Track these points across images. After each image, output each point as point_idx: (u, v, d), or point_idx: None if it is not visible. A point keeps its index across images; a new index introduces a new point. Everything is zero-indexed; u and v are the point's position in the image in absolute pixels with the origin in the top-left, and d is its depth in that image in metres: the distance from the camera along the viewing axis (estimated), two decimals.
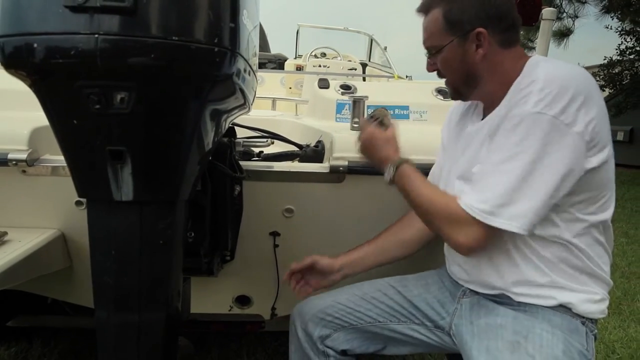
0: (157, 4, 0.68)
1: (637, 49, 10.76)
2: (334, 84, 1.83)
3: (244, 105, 0.95)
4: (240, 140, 1.35)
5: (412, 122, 1.66)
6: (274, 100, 2.59)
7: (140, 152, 0.78)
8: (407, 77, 3.77)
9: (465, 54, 1.00)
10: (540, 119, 0.88)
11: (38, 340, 2.02)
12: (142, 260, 0.85)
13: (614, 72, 11.23)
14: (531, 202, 0.90)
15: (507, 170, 0.91)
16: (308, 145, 1.41)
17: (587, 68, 10.94)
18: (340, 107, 1.71)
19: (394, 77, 3.56)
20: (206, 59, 0.73)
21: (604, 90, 11.15)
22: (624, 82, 11.07)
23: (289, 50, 4.75)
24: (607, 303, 1.04)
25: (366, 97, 1.51)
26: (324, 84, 1.84)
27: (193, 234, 1.13)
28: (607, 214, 1.00)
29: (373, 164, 1.14)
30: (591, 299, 1.01)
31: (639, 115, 10.74)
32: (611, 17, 9.86)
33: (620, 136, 11.57)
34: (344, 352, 1.20)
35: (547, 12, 1.47)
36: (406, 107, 1.69)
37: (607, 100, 10.71)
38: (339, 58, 4.24)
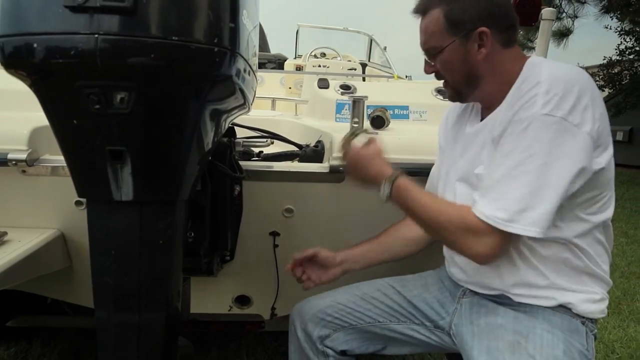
0: (157, 4, 0.68)
1: (637, 49, 10.76)
2: (334, 84, 1.83)
3: (244, 105, 0.95)
4: (240, 140, 1.35)
5: (412, 122, 1.67)
6: (273, 100, 2.59)
7: (140, 152, 0.78)
8: (406, 77, 3.77)
9: (467, 54, 0.99)
10: (548, 121, 0.87)
11: (38, 341, 2.02)
12: (142, 260, 0.85)
13: (613, 72, 11.24)
14: (547, 206, 0.88)
15: (520, 176, 0.89)
16: (308, 145, 1.41)
17: (587, 68, 10.98)
18: (340, 107, 1.72)
19: (393, 77, 3.56)
20: (206, 59, 0.73)
21: (603, 90, 11.16)
22: (623, 82, 11.08)
23: (288, 50, 4.76)
24: (606, 303, 1.04)
25: (366, 97, 1.51)
26: (323, 84, 1.84)
27: (193, 234, 1.14)
28: (608, 214, 1.00)
29: (364, 183, 1.10)
30: (591, 298, 1.01)
31: (639, 115, 10.76)
32: (610, 17, 9.87)
33: (619, 136, 11.58)
34: (343, 352, 1.20)
35: (546, 12, 1.47)
36: (406, 107, 1.69)
37: (607, 100, 10.72)
38: (338, 58, 4.23)
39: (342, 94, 1.76)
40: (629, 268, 3.47)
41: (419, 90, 1.81)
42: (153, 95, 0.73)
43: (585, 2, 9.52)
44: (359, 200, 1.33)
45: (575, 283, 1.00)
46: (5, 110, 1.36)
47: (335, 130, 1.39)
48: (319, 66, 3.73)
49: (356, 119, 1.49)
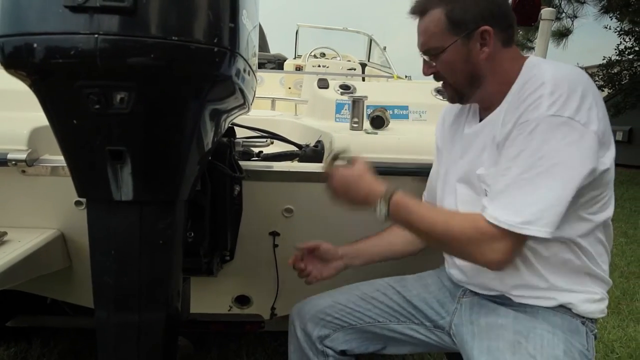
0: (157, 4, 0.68)
1: (636, 49, 10.78)
2: (334, 84, 1.83)
3: (244, 105, 0.95)
4: (240, 140, 1.35)
5: (412, 122, 1.67)
6: (273, 100, 2.59)
7: (140, 152, 0.78)
8: (406, 77, 3.77)
9: (469, 53, 0.98)
10: (556, 122, 0.86)
11: (37, 341, 2.02)
12: (142, 260, 0.85)
13: (612, 72, 11.26)
14: (559, 207, 0.88)
15: (532, 179, 0.88)
16: (307, 145, 1.41)
17: (586, 68, 11.00)
18: (339, 107, 1.72)
19: (393, 77, 3.56)
20: (206, 59, 0.73)
21: (602, 91, 11.18)
22: (622, 82, 11.10)
23: (288, 50, 4.76)
24: (606, 302, 1.04)
25: (365, 97, 1.52)
26: (323, 84, 1.84)
27: (193, 234, 1.14)
28: (608, 213, 1.00)
29: (355, 207, 1.05)
30: (591, 298, 1.01)
31: (638, 115, 10.77)
32: (610, 17, 9.88)
33: (619, 136, 11.59)
34: (343, 352, 1.20)
35: (546, 12, 1.47)
36: (405, 107, 1.69)
37: (606, 100, 10.73)
38: (338, 58, 4.24)
39: (342, 94, 1.77)
40: (628, 268, 3.47)
41: (419, 90, 1.82)
42: (153, 95, 0.73)
43: (584, 2, 9.54)
44: None
45: (575, 284, 1.00)
46: (5, 110, 1.36)
47: (334, 130, 1.39)
48: (319, 66, 3.73)
49: (356, 119, 1.50)
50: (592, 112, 0.88)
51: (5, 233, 1.18)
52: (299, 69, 3.70)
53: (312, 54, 4.20)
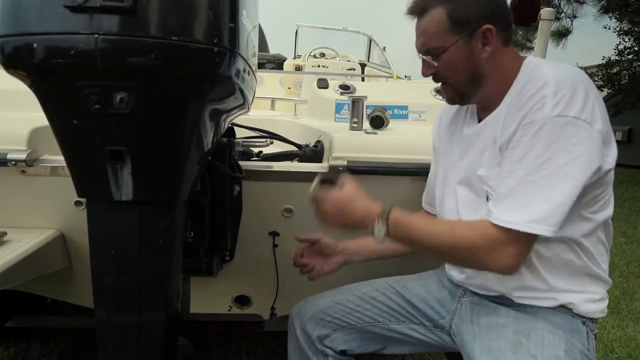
0: (157, 4, 0.68)
1: (636, 49, 10.78)
2: (333, 84, 1.83)
3: (243, 105, 0.95)
4: (240, 140, 1.35)
5: (411, 122, 1.67)
6: (273, 100, 2.59)
7: (140, 152, 0.78)
8: (405, 77, 3.77)
9: (471, 53, 0.97)
10: (561, 122, 0.86)
11: (37, 341, 2.02)
12: (142, 260, 0.86)
13: (612, 72, 11.25)
14: (566, 206, 0.88)
15: (539, 180, 0.87)
16: (307, 145, 1.41)
17: (586, 68, 11.00)
18: (339, 107, 1.72)
19: (392, 77, 3.56)
20: (206, 59, 0.73)
21: (602, 90, 11.17)
22: (622, 82, 11.10)
23: (287, 50, 4.76)
24: (606, 302, 1.04)
25: (365, 97, 1.52)
26: (323, 84, 1.84)
27: (192, 234, 1.14)
28: (609, 212, 1.00)
29: (351, 230, 1.03)
30: (591, 298, 1.01)
31: (638, 115, 10.77)
32: (609, 17, 9.88)
33: (618, 136, 11.59)
34: (342, 352, 1.20)
35: (545, 12, 1.47)
36: (405, 107, 1.69)
37: (606, 100, 10.64)
38: (337, 58, 4.24)
39: (342, 94, 1.77)
40: (627, 268, 3.48)
41: (418, 90, 1.82)
42: (153, 95, 0.73)
43: (584, 2, 9.54)
44: None
45: (575, 284, 1.00)
46: (4, 110, 1.36)
47: (334, 130, 1.39)
48: (318, 66, 3.73)
49: (355, 119, 1.50)
50: (596, 111, 0.88)
51: (5, 233, 1.18)
52: (298, 69, 3.70)
53: (312, 54, 4.20)
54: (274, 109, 2.57)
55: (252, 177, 1.25)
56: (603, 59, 11.44)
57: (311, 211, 1.32)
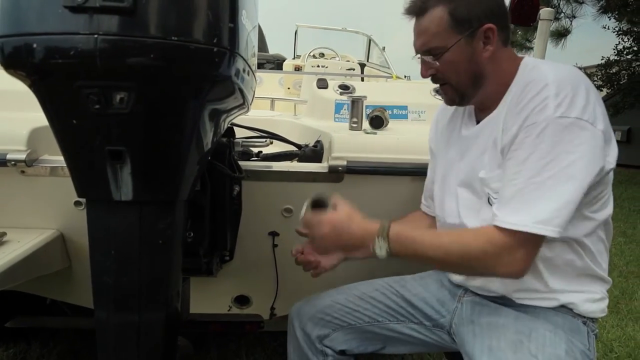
0: (156, 4, 0.68)
1: (635, 49, 10.79)
2: (333, 84, 1.83)
3: (243, 105, 0.95)
4: (239, 141, 1.35)
5: (411, 122, 1.67)
6: (272, 100, 2.59)
7: (140, 152, 0.78)
8: (405, 77, 3.77)
9: (473, 52, 0.96)
10: (564, 123, 0.86)
11: (37, 341, 2.02)
12: (142, 260, 0.86)
13: (611, 72, 11.27)
14: (571, 207, 0.87)
15: (544, 181, 0.87)
16: (307, 145, 1.41)
17: (585, 68, 11.01)
18: (338, 107, 1.72)
19: (392, 77, 3.56)
20: (205, 59, 0.73)
21: (601, 90, 11.19)
22: (621, 82, 11.11)
23: (287, 50, 4.76)
24: (606, 302, 1.04)
25: (365, 97, 1.52)
26: (322, 84, 1.84)
27: (192, 234, 1.14)
28: (609, 210, 1.00)
29: (350, 251, 1.01)
30: (592, 298, 1.01)
31: (637, 115, 10.78)
32: (608, 17, 9.89)
33: (617, 136, 11.55)
34: (342, 352, 1.20)
35: (544, 12, 1.47)
36: (404, 107, 1.69)
37: (605, 100, 10.70)
38: (337, 58, 4.24)
39: (341, 94, 1.77)
40: (627, 267, 3.48)
41: (418, 90, 1.82)
42: (152, 95, 0.73)
43: (583, 2, 9.54)
44: (358, 200, 1.33)
45: (576, 284, 1.00)
46: (4, 110, 1.36)
47: (334, 130, 1.39)
48: (318, 66, 3.73)
49: (355, 119, 1.50)
50: (597, 110, 0.88)
51: (4, 233, 1.18)
52: (298, 69, 3.70)
53: (311, 54, 4.20)
54: (274, 109, 2.57)
55: (252, 177, 1.25)
56: (602, 59, 11.46)
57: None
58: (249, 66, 0.88)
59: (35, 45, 0.68)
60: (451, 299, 1.15)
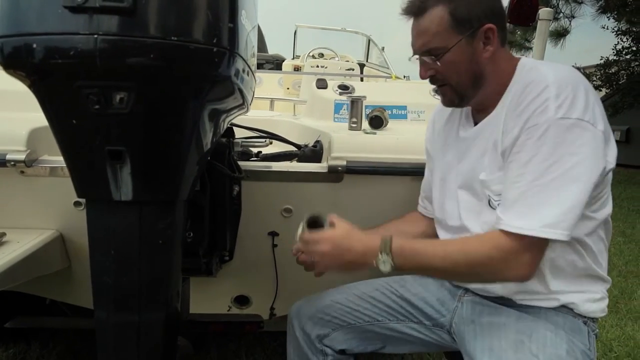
0: (156, 4, 0.68)
1: (634, 48, 10.80)
2: (332, 84, 1.83)
3: (243, 105, 0.95)
4: (239, 141, 1.35)
5: (410, 122, 1.67)
6: (272, 100, 2.59)
7: (140, 152, 0.78)
8: (404, 77, 3.78)
9: (474, 52, 0.96)
10: (566, 124, 0.85)
11: (36, 342, 2.02)
12: (142, 260, 0.86)
13: (610, 72, 11.27)
14: (578, 209, 0.87)
15: (547, 184, 0.86)
16: (306, 145, 1.41)
17: (584, 68, 11.01)
18: (338, 107, 1.72)
19: (391, 77, 3.56)
20: (205, 59, 0.73)
21: (600, 90, 11.20)
22: (620, 82, 11.12)
23: (286, 50, 4.76)
24: (606, 301, 1.04)
25: (364, 97, 1.52)
26: (322, 84, 1.84)
27: (192, 234, 1.14)
28: (608, 209, 1.00)
29: (352, 269, 0.99)
30: (592, 298, 1.01)
31: (636, 115, 10.79)
32: (607, 17, 9.91)
33: (616, 136, 11.62)
34: (342, 352, 1.20)
35: (543, 12, 1.48)
36: (404, 107, 1.69)
37: (604, 100, 10.75)
38: (336, 58, 4.23)
39: (341, 94, 1.77)
40: (626, 267, 3.48)
41: (417, 90, 1.82)
42: (152, 95, 0.73)
43: (582, 2, 9.55)
44: (358, 200, 1.33)
45: (577, 285, 1.01)
46: (4, 110, 1.36)
47: (333, 130, 1.39)
48: (317, 66, 3.73)
49: (354, 119, 1.50)
50: (597, 111, 0.88)
51: (4, 234, 1.18)
52: (297, 69, 3.70)
53: (311, 54, 4.20)
54: (273, 109, 2.57)
55: (252, 177, 1.25)
56: (601, 59, 11.47)
57: (310, 211, 1.33)
58: (249, 66, 0.88)
59: (35, 46, 0.68)
60: (451, 299, 1.15)
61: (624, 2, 9.19)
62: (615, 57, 11.11)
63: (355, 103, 1.50)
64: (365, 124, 1.50)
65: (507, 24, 1.03)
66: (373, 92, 1.66)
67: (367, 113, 1.51)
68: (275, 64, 4.01)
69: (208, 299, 1.52)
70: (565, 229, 0.86)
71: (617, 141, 1.03)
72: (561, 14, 9.72)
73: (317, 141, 1.41)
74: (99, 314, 0.88)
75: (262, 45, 4.58)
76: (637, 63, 10.89)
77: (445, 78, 1.00)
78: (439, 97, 1.68)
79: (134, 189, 0.80)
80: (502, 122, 0.95)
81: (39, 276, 1.23)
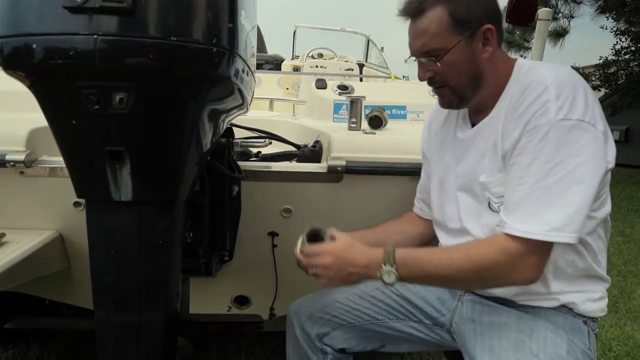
0: (156, 5, 0.68)
1: (632, 48, 10.81)
2: (331, 84, 1.83)
3: (242, 105, 0.95)
4: (239, 141, 1.35)
5: (409, 122, 1.67)
6: (271, 100, 2.59)
7: (139, 153, 0.78)
8: (404, 77, 3.78)
9: (473, 53, 0.95)
10: (567, 125, 0.85)
11: (36, 342, 2.02)
12: (141, 260, 0.86)
13: (609, 72, 11.28)
14: (584, 211, 0.87)
15: (551, 186, 0.86)
16: (306, 146, 1.41)
17: (583, 68, 11.01)
18: (337, 107, 1.72)
19: (390, 77, 3.56)
20: (205, 59, 0.73)
21: (599, 90, 11.21)
22: (619, 82, 11.13)
23: (285, 51, 4.76)
24: (606, 301, 1.04)
25: (363, 97, 1.52)
26: (321, 85, 1.84)
27: (191, 235, 1.14)
28: (608, 208, 1.00)
29: (352, 282, 0.99)
30: (592, 297, 1.01)
31: (635, 115, 10.80)
32: (606, 17, 9.92)
33: (616, 135, 11.62)
34: (342, 350, 1.20)
35: (542, 12, 1.48)
36: (403, 107, 1.70)
37: (603, 100, 10.77)
38: (336, 59, 4.23)
39: (340, 94, 1.77)
40: (625, 267, 3.49)
41: (416, 90, 1.82)
42: (152, 95, 0.73)
43: (581, 2, 9.57)
44: (357, 200, 1.33)
45: (577, 285, 1.01)
46: (3, 111, 1.36)
47: (333, 130, 1.39)
48: (317, 67, 3.73)
49: (354, 119, 1.50)
50: (596, 111, 0.88)
51: (3, 234, 1.18)
52: (296, 69, 3.70)
53: (310, 54, 4.20)
54: (272, 110, 2.57)
55: (251, 177, 1.25)
56: (600, 59, 11.47)
57: (310, 211, 1.33)
58: (248, 66, 0.88)
59: (34, 46, 0.68)
60: (451, 298, 1.15)
61: (623, 2, 9.20)
62: (614, 57, 11.12)
63: (355, 103, 1.50)
64: (364, 124, 1.50)
65: (506, 24, 1.02)
66: (372, 92, 1.66)
67: (367, 113, 1.51)
68: (275, 64, 4.01)
69: (208, 299, 1.52)
70: (573, 232, 0.86)
71: (616, 141, 1.03)
72: (560, 14, 9.73)
73: (317, 141, 1.42)
74: (99, 314, 0.88)
75: (261, 45, 4.58)
76: (636, 63, 10.90)
77: (444, 79, 0.99)
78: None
79: (133, 189, 0.80)
80: (502, 123, 0.95)
81: (39, 277, 1.23)
